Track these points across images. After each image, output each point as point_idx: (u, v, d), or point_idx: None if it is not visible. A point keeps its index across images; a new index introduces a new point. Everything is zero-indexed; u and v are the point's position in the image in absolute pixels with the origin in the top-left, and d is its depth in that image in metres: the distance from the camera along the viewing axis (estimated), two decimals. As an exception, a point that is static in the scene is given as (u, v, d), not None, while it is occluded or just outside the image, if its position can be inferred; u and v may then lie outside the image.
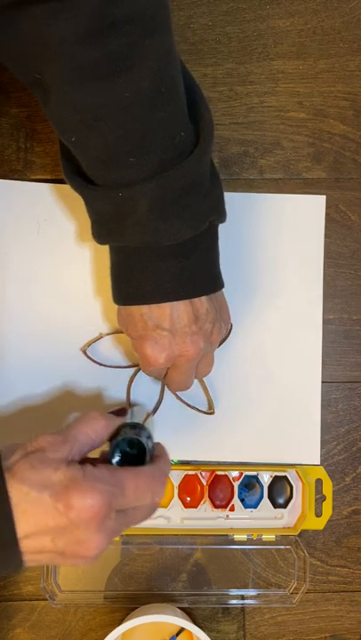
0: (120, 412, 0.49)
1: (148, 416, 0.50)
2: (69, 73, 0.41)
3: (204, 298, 0.48)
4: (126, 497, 0.42)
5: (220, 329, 0.50)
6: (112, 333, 0.57)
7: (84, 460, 0.43)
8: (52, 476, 0.40)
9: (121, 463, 0.44)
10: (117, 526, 0.42)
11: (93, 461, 0.44)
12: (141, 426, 0.46)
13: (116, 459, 0.44)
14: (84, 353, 0.56)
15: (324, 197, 0.59)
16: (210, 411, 0.57)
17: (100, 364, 0.57)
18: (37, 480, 0.40)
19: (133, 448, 0.45)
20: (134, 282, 0.48)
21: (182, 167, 0.44)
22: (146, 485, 0.43)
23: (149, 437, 0.46)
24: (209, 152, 0.46)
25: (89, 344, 0.57)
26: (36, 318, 0.57)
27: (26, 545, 0.40)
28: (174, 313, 0.48)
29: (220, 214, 0.48)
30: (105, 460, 0.45)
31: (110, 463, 0.44)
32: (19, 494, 0.39)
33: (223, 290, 0.52)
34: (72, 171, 0.48)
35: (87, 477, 0.40)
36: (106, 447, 0.45)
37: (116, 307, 0.51)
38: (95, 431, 0.44)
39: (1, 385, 0.57)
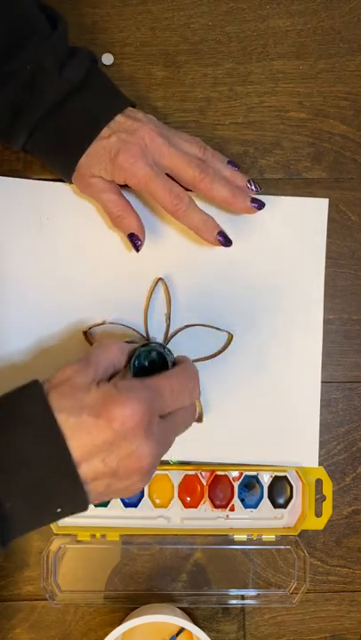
0: (131, 342, 0.50)
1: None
2: None
3: (127, 110, 0.52)
4: (164, 398, 0.43)
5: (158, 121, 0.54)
6: (115, 323, 0.57)
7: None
8: (85, 398, 0.41)
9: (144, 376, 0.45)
10: (164, 432, 0.44)
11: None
12: (155, 343, 0.48)
13: (138, 373, 0.46)
14: (85, 334, 0.56)
15: (326, 200, 0.59)
16: (198, 419, 0.57)
17: None
18: (72, 405, 0.41)
19: (153, 362, 0.47)
20: (73, 132, 0.51)
21: (60, 32, 0.51)
22: (180, 384, 0.45)
23: (164, 348, 0.48)
24: (67, 24, 0.53)
25: (91, 327, 0.56)
26: (38, 311, 0.57)
27: (81, 473, 0.40)
28: (116, 126, 0.51)
29: (93, 54, 0.54)
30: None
31: None
32: (59, 423, 0.40)
33: (225, 288, 0.55)
34: None
35: (121, 390, 0.42)
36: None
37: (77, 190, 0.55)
38: (113, 353, 0.45)
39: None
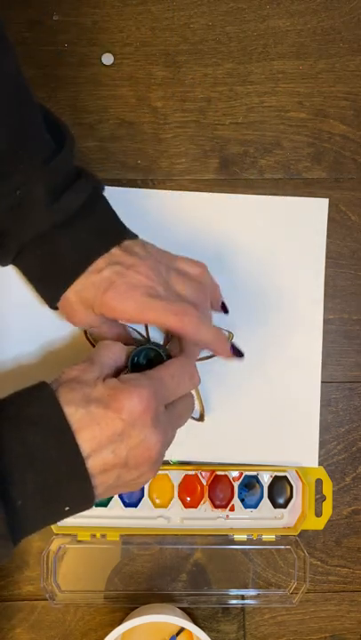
0: (128, 342, 0.52)
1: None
2: None
3: (125, 242, 0.49)
4: (167, 386, 0.45)
5: (159, 253, 0.50)
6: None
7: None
8: (92, 393, 0.42)
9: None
10: (169, 422, 0.45)
11: None
12: (152, 343, 0.49)
13: (136, 372, 0.46)
14: (85, 334, 0.56)
15: (326, 200, 0.59)
16: (200, 419, 0.57)
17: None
18: (80, 398, 0.42)
19: (150, 360, 0.48)
20: (63, 262, 0.48)
21: (62, 156, 0.48)
22: (179, 370, 0.46)
23: (161, 348, 0.49)
24: (74, 144, 0.49)
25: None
26: (40, 315, 0.57)
27: (91, 466, 0.41)
28: (112, 258, 0.48)
29: (98, 182, 0.50)
30: None
31: None
32: (67, 416, 0.41)
33: (225, 288, 0.53)
34: None
35: (126, 382, 0.43)
36: None
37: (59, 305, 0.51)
38: (114, 353, 0.47)
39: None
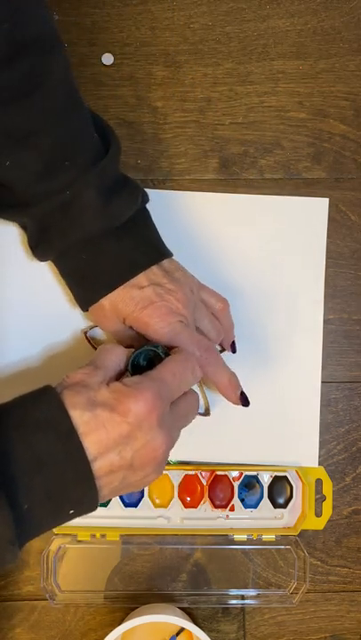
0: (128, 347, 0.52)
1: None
2: None
3: (164, 262, 0.50)
4: (169, 385, 0.45)
5: (190, 279, 0.52)
6: None
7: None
8: (97, 396, 0.43)
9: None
10: (173, 422, 0.45)
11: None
12: (151, 344, 0.49)
13: (136, 373, 0.46)
14: (85, 335, 0.56)
15: (327, 200, 0.59)
16: (206, 413, 0.57)
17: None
18: (85, 401, 0.42)
19: (150, 361, 0.48)
20: (105, 269, 0.49)
21: (109, 158, 0.48)
22: (180, 366, 0.46)
23: (159, 348, 0.49)
24: (120, 149, 0.50)
25: (91, 327, 0.56)
26: (40, 319, 0.57)
27: (97, 469, 0.41)
28: (154, 278, 0.49)
29: (145, 193, 0.51)
30: None
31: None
32: (73, 419, 0.41)
33: (225, 288, 0.54)
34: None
35: (130, 385, 0.43)
36: None
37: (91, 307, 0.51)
38: (117, 356, 0.47)
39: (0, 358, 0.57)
